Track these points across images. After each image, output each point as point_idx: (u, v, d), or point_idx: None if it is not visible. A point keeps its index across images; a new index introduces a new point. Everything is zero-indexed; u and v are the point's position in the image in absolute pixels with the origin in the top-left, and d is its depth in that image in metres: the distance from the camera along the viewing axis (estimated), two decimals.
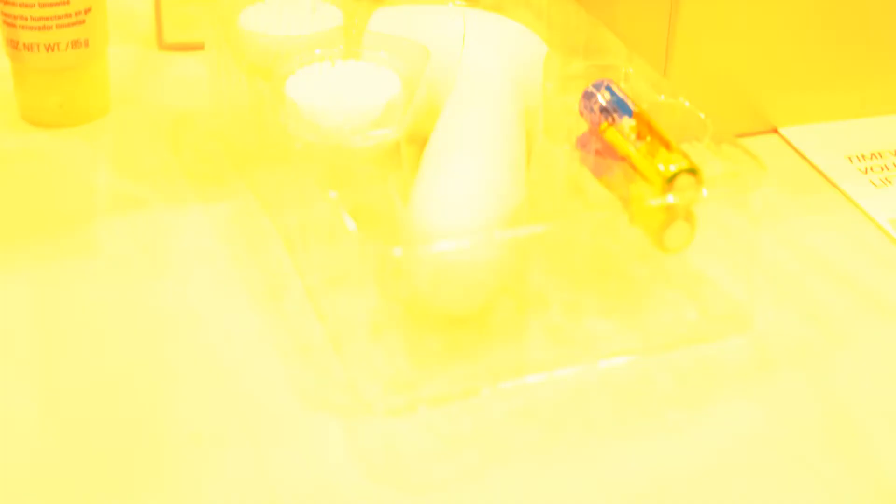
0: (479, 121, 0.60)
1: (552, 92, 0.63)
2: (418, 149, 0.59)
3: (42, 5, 0.66)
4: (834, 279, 0.61)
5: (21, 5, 0.66)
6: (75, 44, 0.67)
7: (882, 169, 0.69)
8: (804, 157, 0.70)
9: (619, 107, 0.59)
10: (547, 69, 0.64)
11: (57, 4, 0.66)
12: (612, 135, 0.58)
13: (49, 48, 0.67)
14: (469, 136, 0.59)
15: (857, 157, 0.70)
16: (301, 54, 0.63)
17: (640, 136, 0.57)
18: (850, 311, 0.59)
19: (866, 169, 0.69)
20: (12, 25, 0.67)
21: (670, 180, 0.54)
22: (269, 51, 0.64)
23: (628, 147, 0.57)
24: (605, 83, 0.60)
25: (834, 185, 0.68)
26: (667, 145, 0.56)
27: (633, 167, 0.56)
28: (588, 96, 0.59)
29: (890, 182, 0.68)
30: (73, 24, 0.67)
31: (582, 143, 0.59)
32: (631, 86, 0.63)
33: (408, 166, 0.58)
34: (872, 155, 0.71)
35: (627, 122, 0.58)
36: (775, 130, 0.72)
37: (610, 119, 0.58)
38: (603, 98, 0.59)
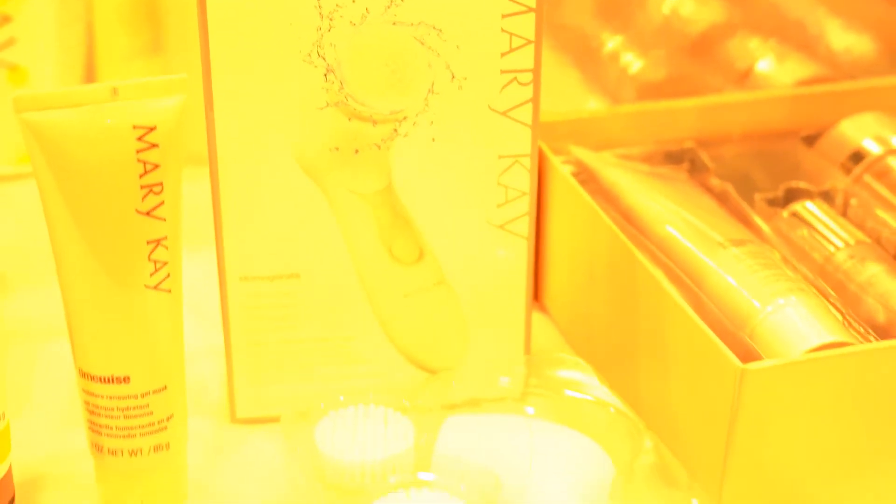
0: None
1: None
2: None
3: (128, 416, 0.69)
4: None
5: (107, 416, 0.69)
6: (157, 448, 0.70)
7: None
8: None
9: None
10: (613, 493, 0.67)
11: (142, 415, 0.70)
12: None
13: (132, 453, 0.70)
14: None
15: None
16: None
17: None
18: None
19: None
20: (97, 433, 0.70)
21: None
22: (344, 472, 0.68)
23: None
24: None
25: None
26: None
27: None
28: None
29: None
30: (156, 431, 0.70)
31: None
32: None
33: None
34: None
35: None
36: None
37: None
38: None
